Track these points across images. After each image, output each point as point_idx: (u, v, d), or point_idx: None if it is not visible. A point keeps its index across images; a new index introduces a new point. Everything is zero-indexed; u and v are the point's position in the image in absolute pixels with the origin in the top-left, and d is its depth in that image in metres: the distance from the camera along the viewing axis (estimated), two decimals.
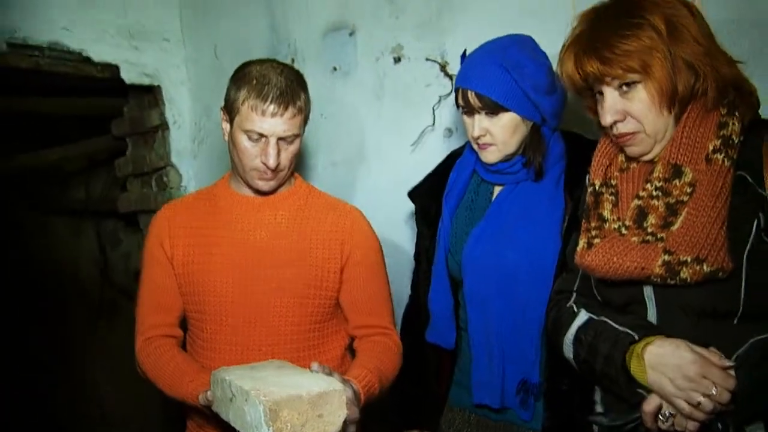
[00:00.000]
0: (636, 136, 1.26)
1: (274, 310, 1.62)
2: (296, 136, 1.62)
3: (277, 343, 1.62)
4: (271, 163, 1.58)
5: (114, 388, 3.94)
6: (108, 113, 2.99)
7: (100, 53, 2.49)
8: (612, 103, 1.24)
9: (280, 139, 1.59)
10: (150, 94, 2.76)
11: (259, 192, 1.68)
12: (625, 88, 1.23)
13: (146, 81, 2.65)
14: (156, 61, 2.67)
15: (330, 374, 1.36)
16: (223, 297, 1.63)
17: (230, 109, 1.62)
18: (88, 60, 2.46)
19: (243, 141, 1.60)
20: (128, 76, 2.59)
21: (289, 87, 1.58)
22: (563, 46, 1.31)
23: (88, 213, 3.75)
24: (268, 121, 1.56)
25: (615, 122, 1.25)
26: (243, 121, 1.58)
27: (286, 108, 1.56)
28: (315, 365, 1.37)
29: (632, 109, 1.23)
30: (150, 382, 1.66)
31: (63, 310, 4.08)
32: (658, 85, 1.20)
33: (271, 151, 1.58)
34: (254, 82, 1.57)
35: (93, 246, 3.84)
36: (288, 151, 1.62)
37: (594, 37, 1.23)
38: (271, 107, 1.56)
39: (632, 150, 1.28)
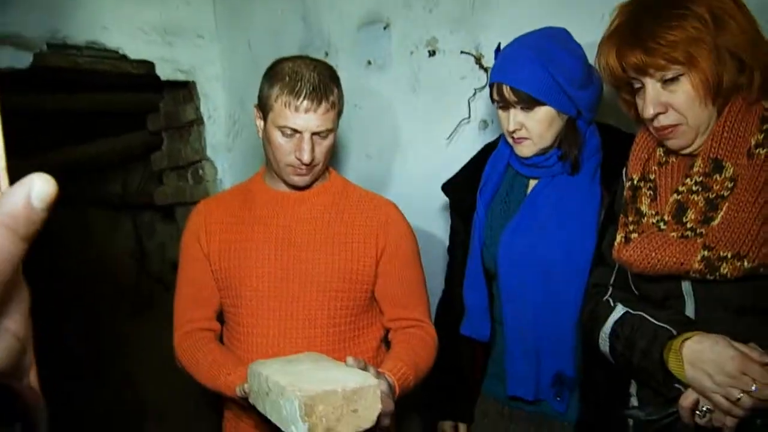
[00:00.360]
0: (678, 128, 1.25)
1: (310, 303, 1.65)
2: (330, 131, 1.64)
3: (313, 336, 1.64)
4: (306, 158, 1.61)
5: (151, 379, 4.04)
6: (143, 109, 3.06)
7: (136, 51, 2.55)
8: (654, 95, 1.23)
9: (314, 134, 1.61)
10: (185, 90, 2.81)
11: (294, 187, 1.71)
12: (668, 79, 1.22)
13: (181, 77, 2.71)
14: (190, 57, 2.72)
15: (365, 368, 1.38)
16: (260, 291, 1.66)
17: (264, 106, 1.65)
18: (124, 58, 2.52)
19: (277, 137, 1.63)
20: (163, 72, 2.64)
21: (322, 82, 1.60)
22: (603, 37, 1.30)
23: (125, 206, 3.83)
24: (302, 116, 1.59)
25: (657, 114, 1.25)
26: (277, 118, 1.61)
27: (319, 103, 1.59)
28: (350, 359, 1.39)
29: (675, 101, 1.22)
30: (189, 375, 1.70)
31: (101, 302, 4.17)
32: (704, 76, 1.19)
33: (306, 146, 1.61)
34: (287, 78, 1.60)
35: (130, 238, 3.92)
36: (322, 146, 1.65)
37: (637, 28, 1.22)
38: (305, 103, 1.58)
39: (673, 143, 1.27)
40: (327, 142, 1.65)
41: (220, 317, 1.80)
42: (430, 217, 2.19)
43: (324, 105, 1.60)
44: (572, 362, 1.59)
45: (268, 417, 1.31)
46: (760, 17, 1.25)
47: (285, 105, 1.59)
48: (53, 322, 4.30)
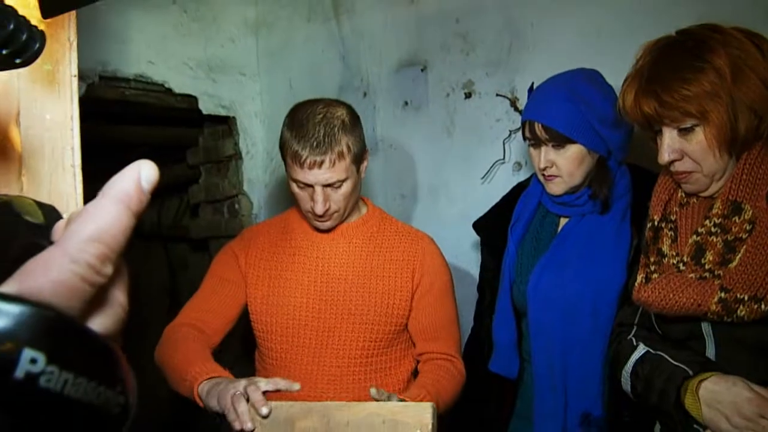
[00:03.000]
0: (692, 175, 1.34)
1: (344, 334, 1.76)
2: (343, 180, 1.69)
3: (346, 365, 1.75)
4: (319, 210, 1.69)
5: (176, 415, 4.14)
6: (184, 143, 3.26)
7: (180, 85, 2.75)
8: (670, 143, 1.32)
9: (326, 185, 1.69)
10: (225, 125, 3.01)
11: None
12: (683, 128, 1.30)
13: (222, 112, 2.90)
14: (232, 93, 2.92)
15: (388, 398, 1.48)
16: (295, 320, 1.77)
17: (282, 152, 1.76)
18: (169, 91, 2.72)
19: (294, 187, 1.74)
20: (206, 107, 2.84)
21: (327, 135, 1.65)
22: (625, 78, 1.39)
23: (159, 237, 4.01)
24: (309, 172, 1.66)
25: (672, 161, 1.34)
26: (289, 170, 1.72)
27: (324, 157, 1.64)
28: (373, 390, 1.49)
29: (690, 150, 1.31)
30: (161, 362, 1.72)
31: (129, 332, 4.32)
32: (716, 130, 1.26)
33: (318, 198, 1.68)
34: (294, 132, 1.68)
35: (163, 270, 4.08)
36: (338, 194, 1.71)
37: (654, 76, 1.31)
38: (309, 159, 1.64)
39: (688, 187, 1.37)
40: (343, 190, 1.71)
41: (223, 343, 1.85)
42: (463, 256, 2.30)
43: (329, 159, 1.65)
44: (600, 402, 1.67)
45: None
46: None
47: (292, 160, 1.68)
48: None
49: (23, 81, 0.74)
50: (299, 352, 1.76)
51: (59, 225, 0.45)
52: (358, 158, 1.74)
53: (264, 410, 1.40)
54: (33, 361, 0.33)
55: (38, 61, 0.78)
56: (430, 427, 1.33)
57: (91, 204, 0.41)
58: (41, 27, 0.60)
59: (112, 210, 0.40)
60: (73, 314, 0.37)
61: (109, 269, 0.39)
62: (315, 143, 1.64)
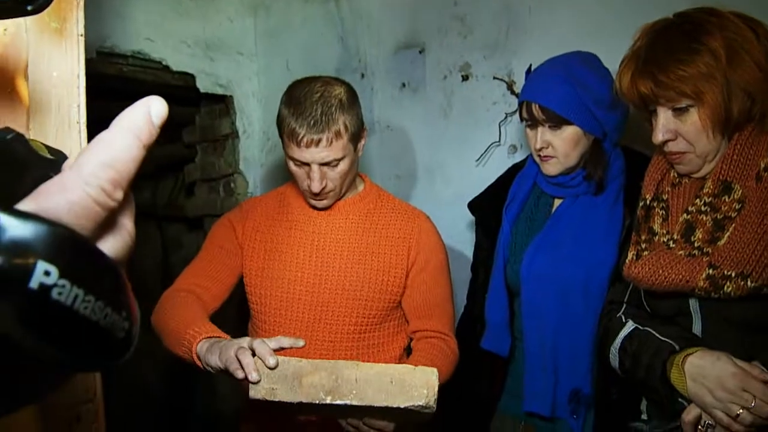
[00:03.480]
0: (685, 155, 1.37)
1: (338, 309, 1.78)
2: (340, 159, 1.71)
3: (339, 340, 1.78)
4: (315, 188, 1.71)
5: (166, 395, 4.17)
6: (180, 121, 3.26)
7: (178, 63, 2.76)
8: (664, 123, 1.35)
9: (323, 164, 1.70)
10: (221, 104, 3.02)
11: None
12: (678, 108, 1.33)
13: (219, 90, 2.91)
14: (229, 73, 2.93)
15: None
16: (290, 293, 1.79)
17: (279, 129, 1.77)
18: (167, 69, 2.73)
19: (291, 165, 1.75)
20: (203, 85, 2.85)
21: (324, 114, 1.66)
22: (623, 59, 1.42)
23: (154, 217, 4.02)
24: (306, 150, 1.67)
25: (666, 141, 1.37)
26: (286, 148, 1.73)
27: (321, 135, 1.66)
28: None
29: (684, 131, 1.34)
30: (158, 326, 1.72)
31: None
32: (710, 111, 1.29)
33: (314, 176, 1.70)
34: (292, 109, 1.69)
35: (157, 249, 4.10)
36: (335, 173, 1.72)
37: (651, 57, 1.34)
38: (306, 138, 1.65)
39: (681, 168, 1.40)
40: (339, 168, 1.73)
41: (218, 314, 1.85)
42: (457, 237, 2.33)
43: (326, 137, 1.66)
44: (590, 380, 1.70)
45: (335, 401, 1.38)
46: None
47: (289, 137, 1.69)
48: None
49: (32, 35, 0.76)
50: (292, 325, 1.78)
51: (69, 161, 0.47)
52: (356, 137, 1.75)
53: (271, 361, 1.38)
54: (47, 273, 0.34)
55: (45, 18, 0.79)
56: (436, 388, 1.38)
57: (103, 133, 0.42)
58: None
59: (123, 139, 0.42)
60: (86, 235, 0.39)
61: (120, 194, 0.41)
62: (312, 122, 1.65)
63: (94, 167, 0.40)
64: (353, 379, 1.38)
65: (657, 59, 1.32)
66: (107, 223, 0.42)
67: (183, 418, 3.94)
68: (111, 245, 0.42)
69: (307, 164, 1.70)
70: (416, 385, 1.37)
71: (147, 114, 0.43)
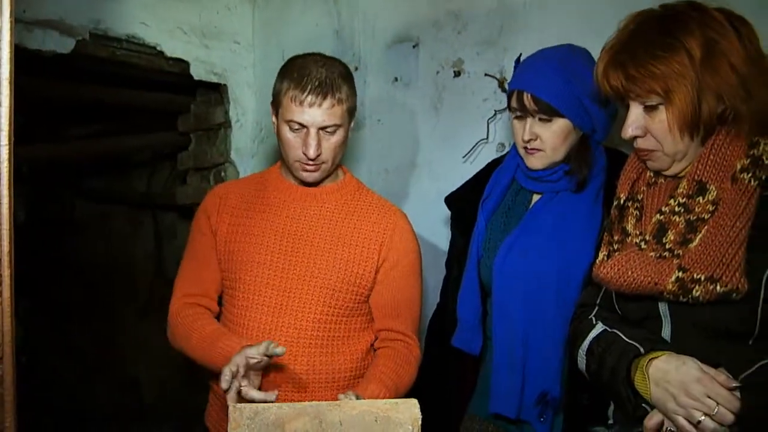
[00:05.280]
0: (654, 153, 1.33)
1: (305, 296, 1.75)
2: (337, 126, 1.73)
3: (304, 327, 1.74)
4: (311, 153, 1.71)
5: (155, 384, 4.17)
6: (175, 109, 3.25)
7: (173, 49, 2.73)
8: (635, 118, 1.32)
9: (321, 129, 1.72)
10: (216, 93, 3.00)
11: (306, 183, 1.83)
12: (648, 105, 1.29)
13: (214, 79, 2.88)
14: (225, 61, 2.91)
15: (358, 398, 1.50)
16: (258, 277, 1.77)
17: (275, 102, 1.78)
18: (161, 54, 2.70)
19: (286, 132, 1.75)
20: (197, 72, 2.82)
21: (329, 78, 1.70)
22: (603, 46, 1.37)
23: (148, 206, 4.01)
24: (308, 111, 1.69)
25: (635, 137, 1.33)
26: (285, 112, 1.73)
27: (324, 98, 1.69)
28: (341, 396, 1.52)
29: (652, 128, 1.30)
30: (179, 346, 1.80)
31: (113, 300, 4.33)
32: (678, 112, 1.25)
33: (311, 141, 1.71)
34: (295, 74, 1.72)
35: (150, 239, 4.09)
36: (330, 142, 1.74)
37: (625, 50, 1.29)
38: (309, 98, 1.68)
39: (650, 165, 1.36)
40: (335, 138, 1.75)
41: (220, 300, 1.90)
42: (441, 233, 2.29)
43: (329, 100, 1.70)
44: (559, 383, 1.65)
45: None
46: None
47: (291, 99, 1.70)
48: (63, 317, 4.47)
49: None
50: (259, 309, 1.76)
51: None
52: (352, 112, 1.79)
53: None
54: None
55: None
56: (419, 421, 1.37)
57: None
58: None
59: None
60: None
61: None
62: (317, 83, 1.69)
63: None
64: (337, 422, 1.35)
65: (632, 52, 1.28)
66: None
67: None
68: None
69: (305, 128, 1.71)
70: (401, 421, 1.36)
71: None
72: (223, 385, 1.49)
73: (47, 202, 4.40)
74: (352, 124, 1.83)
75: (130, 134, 3.60)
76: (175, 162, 3.40)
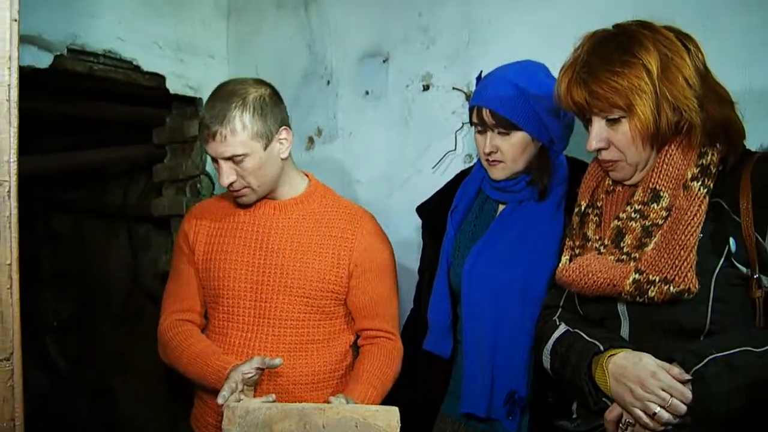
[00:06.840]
0: (618, 164, 1.40)
1: (281, 306, 1.81)
2: (244, 155, 1.72)
3: (284, 335, 1.80)
4: (223, 182, 1.76)
5: (130, 395, 4.15)
6: (151, 122, 3.27)
7: (149, 63, 2.77)
8: (598, 131, 1.38)
9: (228, 158, 1.73)
10: (191, 106, 3.03)
11: (274, 197, 1.88)
12: (611, 119, 1.36)
13: (189, 92, 2.92)
14: (200, 75, 2.95)
15: (347, 401, 1.58)
16: (236, 292, 1.82)
17: None
18: (137, 69, 2.74)
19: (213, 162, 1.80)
20: (173, 86, 2.86)
21: (222, 110, 1.70)
22: (562, 66, 1.43)
23: (123, 217, 4.01)
24: (211, 144, 1.73)
25: (599, 149, 1.40)
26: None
27: (221, 131, 1.70)
28: (331, 398, 1.60)
29: (615, 140, 1.37)
30: (170, 362, 1.85)
31: (90, 312, 4.31)
32: (640, 123, 1.32)
33: (222, 171, 1.76)
34: (206, 107, 1.76)
35: (125, 251, 4.08)
36: (243, 169, 1.75)
37: (587, 67, 1.36)
38: (207, 131, 1.72)
39: (614, 175, 1.43)
40: (246, 165, 1.74)
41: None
42: (411, 244, 2.35)
43: (224, 131, 1.70)
44: (525, 383, 1.71)
45: None
46: None
47: (202, 132, 1.76)
48: (40, 331, 4.42)
49: None
50: (238, 320, 1.82)
51: None
52: (264, 137, 1.75)
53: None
54: None
55: None
56: (398, 428, 1.47)
57: None
58: None
59: None
60: None
61: None
62: (210, 116, 1.71)
63: None
64: (320, 425, 1.47)
65: (592, 69, 1.35)
66: None
67: None
68: None
69: (217, 160, 1.76)
70: (380, 426, 1.46)
71: None
72: (219, 401, 1.54)
73: (23, 215, 4.36)
74: (280, 144, 1.81)
75: (106, 147, 3.60)
76: (150, 174, 3.41)
